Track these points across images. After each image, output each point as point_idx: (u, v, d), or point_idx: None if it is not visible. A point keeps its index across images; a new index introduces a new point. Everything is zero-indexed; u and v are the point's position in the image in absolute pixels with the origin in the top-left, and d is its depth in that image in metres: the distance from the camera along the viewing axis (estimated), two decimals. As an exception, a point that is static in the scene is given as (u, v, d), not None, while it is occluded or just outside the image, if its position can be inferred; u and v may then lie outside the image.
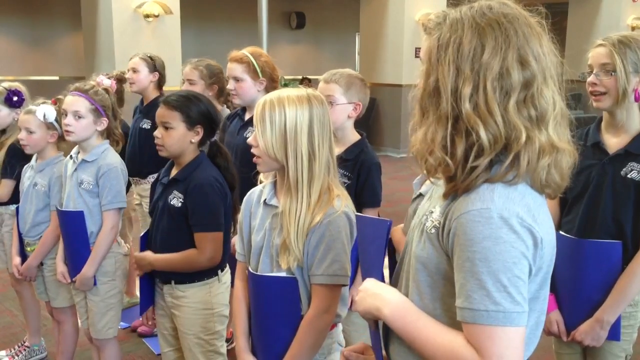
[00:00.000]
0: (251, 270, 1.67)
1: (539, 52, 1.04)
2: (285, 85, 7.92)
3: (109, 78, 3.37)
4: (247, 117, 2.77)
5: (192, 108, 2.12)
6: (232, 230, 2.26)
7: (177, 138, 2.11)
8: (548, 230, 1.05)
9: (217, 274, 2.20)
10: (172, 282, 2.18)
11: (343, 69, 2.43)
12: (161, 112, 2.13)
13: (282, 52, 13.04)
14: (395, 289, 1.15)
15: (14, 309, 3.64)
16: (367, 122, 9.51)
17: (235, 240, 1.82)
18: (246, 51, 2.79)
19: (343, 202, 1.61)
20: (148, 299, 2.29)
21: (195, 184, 2.10)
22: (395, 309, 1.10)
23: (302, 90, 1.63)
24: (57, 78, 10.42)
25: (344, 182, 2.29)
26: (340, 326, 1.75)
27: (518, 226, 0.98)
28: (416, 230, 1.14)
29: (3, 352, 3.20)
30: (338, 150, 2.33)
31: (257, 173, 1.75)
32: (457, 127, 1.02)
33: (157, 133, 2.13)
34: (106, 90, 2.58)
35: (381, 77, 9.95)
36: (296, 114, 1.57)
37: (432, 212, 1.10)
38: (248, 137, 2.62)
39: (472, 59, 1.01)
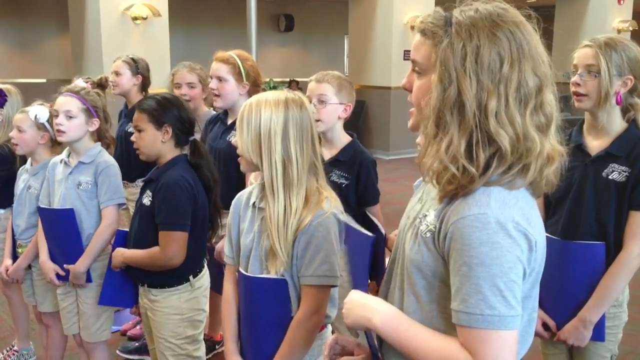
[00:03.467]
0: (242, 271, 1.68)
1: (543, 58, 1.07)
2: (274, 88, 7.94)
3: (86, 82, 3.37)
4: (229, 121, 2.78)
5: (158, 109, 2.18)
6: (210, 234, 2.30)
7: (147, 139, 2.18)
8: (540, 232, 1.07)
9: (188, 280, 2.22)
10: (145, 285, 2.24)
11: (333, 71, 2.47)
12: (135, 116, 2.22)
13: (270, 54, 13.06)
14: (382, 300, 1.16)
15: (3, 313, 3.62)
16: (356, 124, 9.54)
17: (224, 243, 1.83)
18: (233, 53, 2.80)
19: (332, 204, 1.62)
20: (117, 294, 2.38)
21: (163, 183, 2.15)
22: (385, 317, 1.11)
23: (281, 94, 1.65)
24: (44, 81, 10.37)
25: (342, 182, 2.31)
26: (330, 327, 1.77)
27: (514, 231, 1.00)
28: (408, 233, 1.15)
29: (-8, 356, 3.19)
30: (330, 152, 2.38)
31: (240, 175, 1.77)
32: (480, 137, 1.03)
33: (133, 137, 2.22)
34: (97, 92, 2.59)
35: (370, 79, 9.98)
36: (271, 117, 1.58)
37: (426, 215, 1.11)
38: (231, 141, 2.65)
39: (492, 70, 1.02)
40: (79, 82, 3.32)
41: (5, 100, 3.01)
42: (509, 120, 1.02)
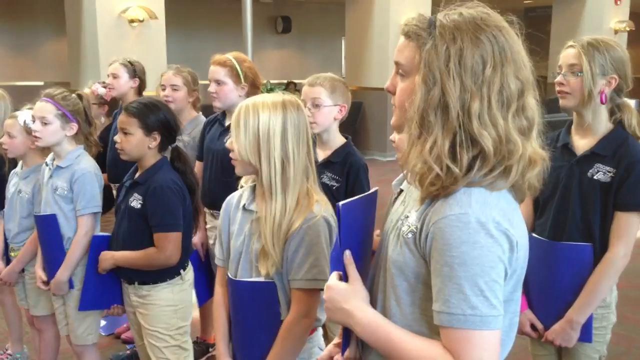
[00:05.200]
0: (230, 276, 1.68)
1: (524, 63, 1.08)
2: (271, 89, 7.94)
3: (104, 87, 3.38)
4: (227, 122, 2.78)
5: (149, 115, 2.21)
6: (193, 232, 2.39)
7: (135, 144, 2.21)
8: (522, 234, 1.07)
9: (179, 274, 2.31)
10: (136, 282, 2.28)
11: (325, 73, 2.48)
12: (121, 118, 2.24)
13: (268, 56, 13.07)
14: (361, 300, 1.14)
15: (-3, 317, 3.60)
16: (353, 125, 9.54)
17: (215, 245, 1.83)
18: (230, 55, 2.81)
19: (322, 207, 1.62)
20: (97, 298, 2.40)
21: (155, 187, 2.19)
22: (365, 324, 1.10)
23: (278, 96, 1.66)
24: (41, 83, 10.36)
25: (333, 185, 2.31)
26: (320, 330, 1.77)
27: (494, 230, 1.00)
28: (391, 235, 1.15)
29: (-14, 360, 3.18)
30: (324, 153, 2.38)
31: (238, 178, 1.77)
32: (464, 138, 1.03)
33: (117, 138, 2.24)
34: (79, 95, 2.58)
35: (367, 81, 9.99)
36: (269, 119, 1.59)
37: (407, 216, 1.11)
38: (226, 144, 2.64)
39: (475, 73, 1.03)
40: (97, 87, 3.34)
41: None
42: (492, 122, 1.03)
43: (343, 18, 10.94)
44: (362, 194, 1.27)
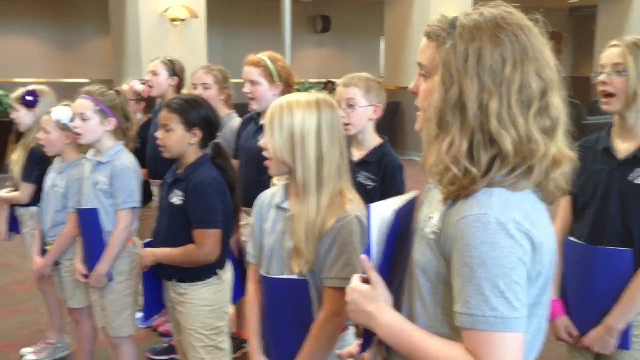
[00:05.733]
0: (263, 273, 1.70)
1: (548, 62, 1.06)
2: (309, 89, 7.96)
3: (142, 84, 3.44)
4: (262, 121, 2.80)
5: (191, 111, 2.23)
6: (232, 230, 2.36)
7: (176, 140, 2.22)
8: (548, 236, 1.05)
9: (216, 273, 2.29)
10: (174, 279, 2.28)
11: (361, 73, 2.47)
12: (163, 114, 2.26)
13: (306, 55, 13.11)
14: (383, 302, 1.13)
15: (40, 307, 3.72)
16: (391, 126, 9.49)
17: (247, 243, 1.85)
18: (263, 55, 2.83)
19: (356, 207, 1.63)
20: (157, 302, 2.39)
21: (196, 183, 2.20)
22: (387, 328, 1.10)
23: (312, 95, 1.66)
24: (87, 80, 10.59)
25: (369, 184, 2.31)
26: (352, 329, 1.76)
27: (515, 231, 0.98)
28: (417, 237, 1.15)
29: (29, 349, 3.28)
30: (360, 153, 2.38)
31: (269, 176, 1.78)
32: (482, 138, 1.02)
33: (158, 134, 2.25)
34: (117, 91, 2.63)
35: (406, 80, 9.92)
36: (304, 118, 1.59)
37: (431, 217, 1.11)
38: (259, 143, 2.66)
39: (494, 72, 1.02)
40: (134, 84, 3.41)
41: (37, 102, 3.09)
42: (512, 122, 1.02)
43: (382, 17, 10.89)
44: (400, 196, 1.26)
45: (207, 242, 2.19)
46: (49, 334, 3.31)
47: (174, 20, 8.53)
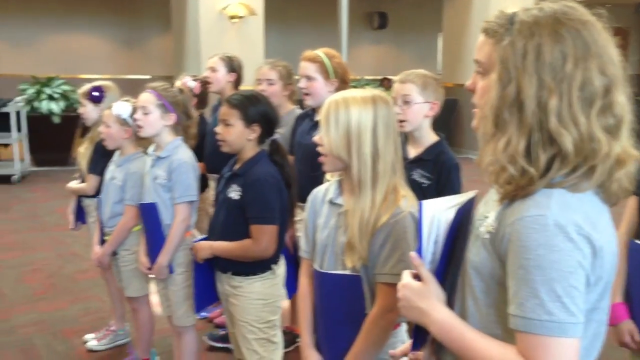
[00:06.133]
0: (316, 268, 1.72)
1: (612, 58, 1.03)
2: (365, 86, 7.94)
3: (194, 80, 3.52)
4: (317, 117, 2.82)
5: (250, 107, 2.26)
6: (288, 225, 2.38)
7: (235, 135, 2.25)
8: (609, 239, 1.02)
9: (271, 268, 2.32)
10: (230, 272, 2.32)
11: (418, 70, 2.46)
12: (223, 110, 2.30)
13: (362, 52, 13.07)
14: (436, 299, 1.13)
15: (103, 295, 3.86)
16: (447, 123, 9.36)
17: (300, 238, 1.87)
18: (320, 51, 2.84)
19: (409, 203, 1.63)
20: (207, 295, 2.44)
21: (253, 179, 2.22)
22: (441, 325, 1.10)
23: (367, 91, 1.67)
24: (148, 77, 10.88)
25: (423, 182, 2.30)
26: (404, 326, 1.76)
27: (575, 234, 0.96)
28: (471, 236, 1.14)
29: (92, 335, 3.41)
30: (416, 151, 2.37)
31: (323, 172, 1.79)
32: (540, 137, 1.00)
33: (218, 129, 2.30)
34: (180, 89, 2.69)
35: (464, 77, 9.75)
36: (360, 114, 1.60)
37: (486, 217, 1.10)
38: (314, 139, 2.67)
39: (554, 69, 0.99)
40: (186, 80, 3.49)
41: (103, 96, 3.20)
42: (572, 120, 0.99)
43: (440, 14, 10.74)
44: (455, 195, 1.25)
45: (264, 237, 2.22)
46: (111, 321, 3.43)
47: (232, 17, 8.66)
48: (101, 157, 3.04)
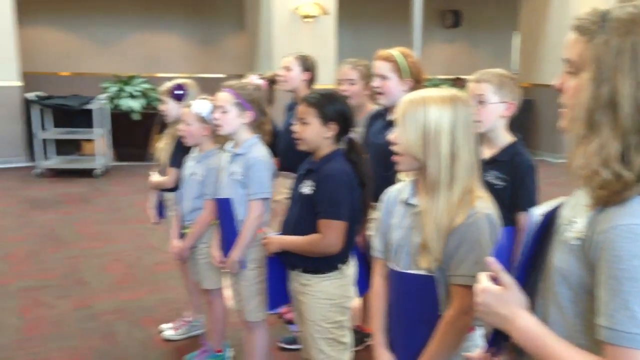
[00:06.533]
0: (391, 267, 1.72)
1: None
2: (438, 86, 7.84)
3: (261, 78, 3.59)
4: (390, 117, 2.82)
5: (327, 106, 2.27)
6: (360, 225, 2.37)
7: (312, 133, 2.27)
8: None
9: (338, 268, 2.32)
10: (299, 269, 2.34)
11: (494, 69, 2.42)
12: (300, 108, 2.32)
13: (435, 51, 12.90)
14: (519, 305, 1.11)
15: (179, 287, 3.99)
16: (523, 124, 9.11)
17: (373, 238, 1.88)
18: (394, 50, 2.83)
19: (485, 205, 1.61)
20: (281, 294, 2.47)
21: (326, 175, 2.24)
22: (525, 333, 1.07)
23: (446, 91, 1.66)
24: (222, 75, 11.14)
25: (498, 184, 2.27)
26: (480, 330, 1.74)
27: None
28: (555, 239, 1.11)
29: (168, 325, 3.53)
30: (491, 152, 2.33)
31: (395, 172, 1.79)
32: (637, 140, 0.97)
33: (295, 127, 2.32)
34: (257, 86, 2.75)
35: (540, 77, 9.48)
36: (439, 113, 1.59)
37: (574, 222, 1.06)
38: (389, 137, 2.66)
39: None
40: (253, 78, 3.56)
41: (185, 94, 3.30)
42: None
43: (516, 11, 10.47)
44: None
45: (330, 232, 2.23)
46: (186, 312, 3.54)
47: (305, 16, 8.76)
48: (181, 152, 3.15)
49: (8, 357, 3.24)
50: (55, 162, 8.23)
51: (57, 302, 3.95)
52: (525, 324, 1.08)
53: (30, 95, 8.11)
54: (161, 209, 3.47)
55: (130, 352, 3.32)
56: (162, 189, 3.36)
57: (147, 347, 3.38)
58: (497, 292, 1.13)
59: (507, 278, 1.13)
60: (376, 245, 1.81)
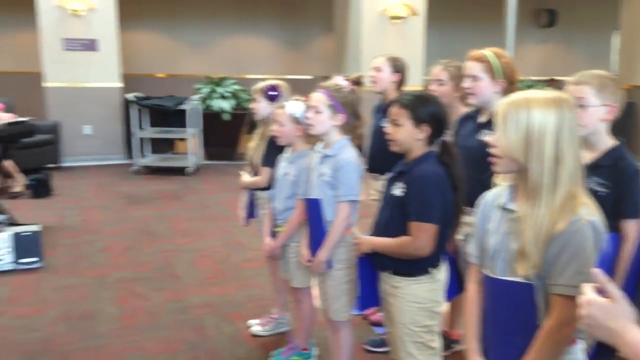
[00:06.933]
0: (486, 274, 1.68)
1: None
2: (530, 87, 7.58)
3: (346, 80, 3.59)
4: (480, 119, 2.75)
5: (420, 108, 2.24)
6: (452, 229, 2.33)
7: (404, 134, 2.25)
8: None
9: (428, 272, 2.28)
10: (389, 271, 2.32)
11: (593, 70, 2.32)
12: (393, 110, 2.30)
13: (528, 52, 12.48)
14: (629, 319, 1.06)
15: (265, 284, 4.07)
16: (624, 128, 8.62)
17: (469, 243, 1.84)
18: (487, 50, 2.77)
19: (590, 211, 1.54)
20: (372, 295, 2.45)
21: (417, 176, 2.21)
22: (634, 347, 1.02)
23: (550, 93, 1.59)
24: (310, 77, 11.27)
25: (601, 191, 2.18)
26: (582, 344, 1.66)
27: None
28: None
29: (255, 321, 3.61)
30: (592, 156, 2.24)
31: (490, 176, 1.74)
32: None
33: (388, 129, 2.31)
34: (353, 89, 2.75)
35: (642, 79, 8.96)
36: (543, 116, 1.53)
37: None
38: (482, 140, 2.59)
39: None
40: (338, 80, 3.58)
41: (278, 95, 3.37)
42: None
43: (616, 10, 9.95)
44: None
45: (421, 235, 2.20)
46: (273, 309, 3.60)
47: (393, 17, 8.71)
48: (274, 151, 3.20)
49: (107, 344, 3.42)
50: (151, 160, 8.61)
51: (151, 294, 4.14)
52: (636, 338, 1.03)
53: (130, 96, 8.53)
54: (252, 209, 3.54)
55: (219, 345, 3.42)
56: (255, 189, 3.44)
57: (235, 342, 3.47)
58: (604, 305, 1.08)
59: (615, 290, 1.08)
60: (471, 250, 1.77)
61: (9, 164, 6.75)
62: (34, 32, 8.69)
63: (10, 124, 5.89)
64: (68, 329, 3.61)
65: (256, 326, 3.57)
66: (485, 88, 2.72)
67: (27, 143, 6.97)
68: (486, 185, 2.33)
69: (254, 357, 3.31)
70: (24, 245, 4.54)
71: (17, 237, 4.52)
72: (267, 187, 3.22)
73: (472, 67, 2.75)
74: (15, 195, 6.76)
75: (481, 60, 2.73)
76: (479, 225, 1.75)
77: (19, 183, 6.96)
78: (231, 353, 3.34)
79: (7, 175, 6.89)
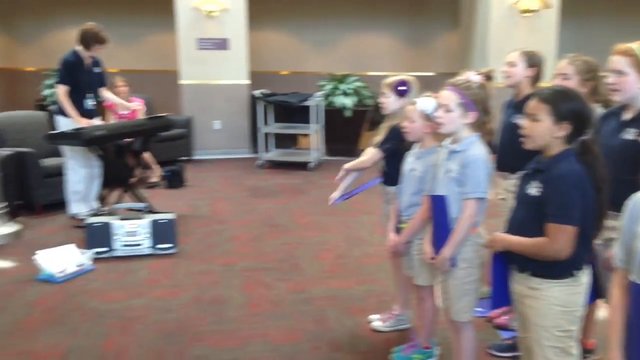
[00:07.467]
0: (633, 280, 1.58)
1: None
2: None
3: (477, 75, 3.49)
4: (625, 116, 2.58)
5: (562, 103, 2.12)
6: (594, 231, 2.19)
7: (542, 131, 2.14)
8: None
9: (572, 274, 2.16)
10: (527, 272, 2.22)
11: None
12: (532, 104, 2.19)
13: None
14: None
15: (386, 280, 4.08)
16: None
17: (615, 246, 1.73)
18: (635, 44, 2.59)
19: None
20: (504, 294, 2.35)
21: (556, 175, 2.10)
22: None
23: None
24: (433, 74, 11.11)
25: None
26: None
27: None
28: None
29: (376, 316, 3.63)
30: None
31: (636, 176, 1.63)
32: None
33: (523, 124, 2.20)
34: (482, 85, 2.68)
35: None
36: None
37: None
38: (627, 139, 2.41)
39: None
40: (469, 75, 3.49)
41: (407, 91, 3.34)
42: None
43: None
44: None
45: (560, 237, 2.09)
46: (394, 305, 3.60)
47: (524, 11, 8.37)
48: (393, 140, 3.20)
49: (234, 329, 3.59)
50: (275, 154, 8.89)
51: (275, 284, 4.28)
52: None
53: (256, 93, 8.86)
54: (349, 192, 3.52)
55: (340, 338, 3.47)
56: (359, 169, 3.46)
57: (356, 336, 3.50)
58: None
59: None
60: (618, 254, 1.67)
61: (147, 156, 7.27)
62: (172, 32, 9.28)
63: (150, 118, 6.33)
64: (200, 312, 3.82)
65: (377, 321, 3.59)
66: (631, 83, 2.56)
67: (163, 137, 7.46)
68: (631, 184, 2.18)
69: (375, 352, 3.33)
70: (161, 232, 4.87)
71: (155, 224, 4.86)
72: (395, 182, 3.22)
73: (618, 62, 2.60)
74: (152, 185, 7.27)
75: (628, 54, 2.57)
76: (626, 227, 1.65)
77: (156, 174, 7.48)
78: (352, 346, 3.38)
79: (146, 166, 7.44)
